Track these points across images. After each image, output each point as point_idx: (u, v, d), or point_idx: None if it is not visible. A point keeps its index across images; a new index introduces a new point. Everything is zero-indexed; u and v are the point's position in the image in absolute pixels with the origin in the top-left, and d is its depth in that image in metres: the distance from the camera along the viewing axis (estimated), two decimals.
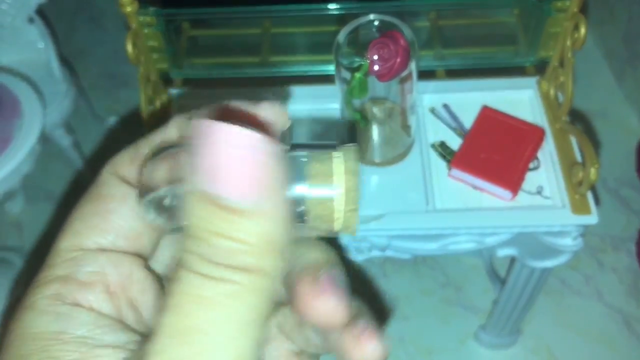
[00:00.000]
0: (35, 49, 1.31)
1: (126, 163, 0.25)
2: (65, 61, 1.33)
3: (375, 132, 0.83)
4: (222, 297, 0.17)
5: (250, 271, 0.18)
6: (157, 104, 0.88)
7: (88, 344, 0.21)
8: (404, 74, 0.72)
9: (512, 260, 1.02)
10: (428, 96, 0.90)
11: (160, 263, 0.26)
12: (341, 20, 0.92)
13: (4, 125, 1.08)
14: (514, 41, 0.94)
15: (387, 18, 0.72)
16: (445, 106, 0.89)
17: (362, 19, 0.72)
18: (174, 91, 0.91)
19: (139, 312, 0.23)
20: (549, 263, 0.89)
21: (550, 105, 0.87)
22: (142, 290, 0.24)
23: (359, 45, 0.73)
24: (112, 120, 1.62)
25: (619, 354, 1.23)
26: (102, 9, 1.93)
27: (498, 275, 1.23)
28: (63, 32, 1.37)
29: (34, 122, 1.08)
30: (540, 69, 0.91)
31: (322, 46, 0.90)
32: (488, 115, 0.85)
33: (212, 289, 0.17)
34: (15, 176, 1.05)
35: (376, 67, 0.71)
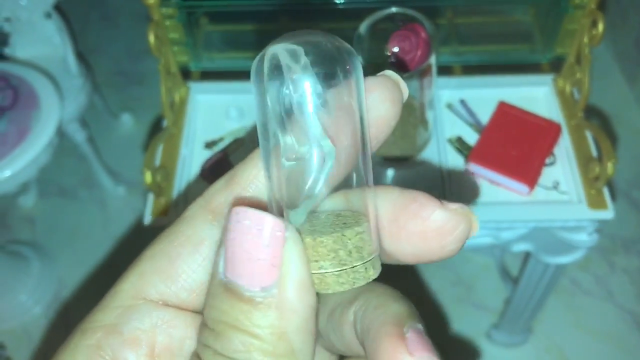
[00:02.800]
0: (52, 44, 1.32)
1: (219, 191, 0.22)
2: (80, 57, 1.34)
3: None
4: None
5: None
6: (176, 96, 0.89)
7: None
8: (424, 66, 0.73)
9: (525, 258, 1.02)
10: (445, 92, 0.90)
11: None
12: (359, 15, 0.93)
13: (22, 117, 1.09)
14: (530, 38, 0.95)
15: (409, 11, 0.72)
16: (462, 102, 0.89)
17: (384, 12, 0.73)
18: (192, 84, 0.92)
19: None
20: (563, 259, 0.89)
21: (566, 101, 0.88)
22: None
23: (379, 38, 0.74)
24: (125, 117, 1.63)
25: (629, 354, 1.23)
26: (115, 7, 1.94)
27: (509, 274, 1.24)
28: (77, 30, 1.38)
29: (51, 113, 1.09)
30: (555, 66, 0.91)
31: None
32: (505, 111, 0.86)
33: None
34: (33, 167, 1.06)
35: (397, 60, 0.71)
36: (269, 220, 0.18)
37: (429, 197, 0.21)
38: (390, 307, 0.20)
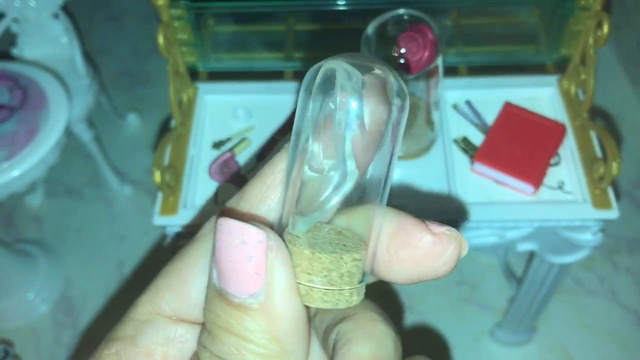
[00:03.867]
0: (59, 44, 1.33)
1: (233, 203, 0.23)
2: (87, 57, 1.35)
3: None
4: None
5: None
6: (184, 97, 0.90)
7: None
8: (431, 67, 0.74)
9: (529, 257, 1.03)
10: (451, 92, 0.91)
11: None
12: (366, 17, 0.94)
13: (31, 117, 1.10)
14: (535, 39, 0.96)
15: (416, 12, 0.73)
16: (468, 102, 0.90)
17: (391, 13, 0.73)
18: (200, 85, 0.93)
19: None
20: (568, 258, 0.90)
21: (571, 102, 0.88)
22: None
23: (387, 39, 0.75)
24: (131, 117, 1.64)
25: (632, 354, 1.24)
26: (121, 7, 1.96)
27: (514, 274, 1.24)
28: (83, 30, 1.39)
29: (60, 113, 1.10)
30: (560, 67, 0.92)
31: (348, 43, 0.91)
32: (510, 111, 0.87)
33: None
34: (41, 166, 1.07)
35: (404, 60, 0.72)
36: (251, 231, 0.18)
37: (416, 224, 0.21)
38: (352, 348, 0.21)
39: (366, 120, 0.20)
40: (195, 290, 0.22)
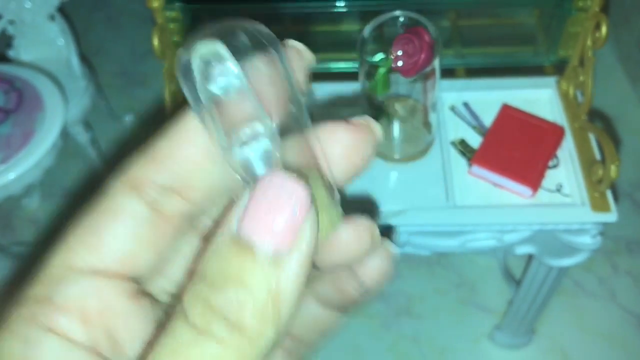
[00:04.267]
0: (55, 46, 1.33)
1: (140, 171, 0.23)
2: (83, 59, 1.34)
3: (396, 128, 0.83)
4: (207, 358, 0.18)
5: (243, 333, 0.18)
6: (181, 99, 0.90)
7: None
8: (428, 70, 0.73)
9: (528, 260, 1.02)
10: (448, 94, 0.91)
11: (169, 279, 0.24)
12: (363, 18, 0.93)
13: (27, 119, 1.10)
14: (534, 41, 0.95)
15: (412, 14, 0.73)
16: (466, 104, 0.89)
17: (387, 15, 0.73)
18: None
19: (119, 344, 0.22)
20: (566, 262, 0.89)
21: (570, 104, 0.88)
22: (124, 322, 0.22)
23: (383, 41, 0.74)
24: (129, 118, 1.63)
25: (632, 356, 1.23)
26: (118, 8, 1.95)
27: (513, 276, 1.24)
28: (79, 31, 1.39)
29: (55, 116, 1.10)
30: (559, 68, 0.92)
31: (344, 44, 0.91)
32: (508, 114, 0.86)
33: (199, 349, 0.18)
34: (37, 169, 1.07)
35: (400, 63, 0.72)
36: (301, 193, 0.19)
37: (336, 123, 0.23)
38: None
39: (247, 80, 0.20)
40: (109, 242, 0.21)
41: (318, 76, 0.92)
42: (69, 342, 0.21)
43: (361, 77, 0.77)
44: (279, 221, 0.18)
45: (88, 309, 0.21)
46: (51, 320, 0.21)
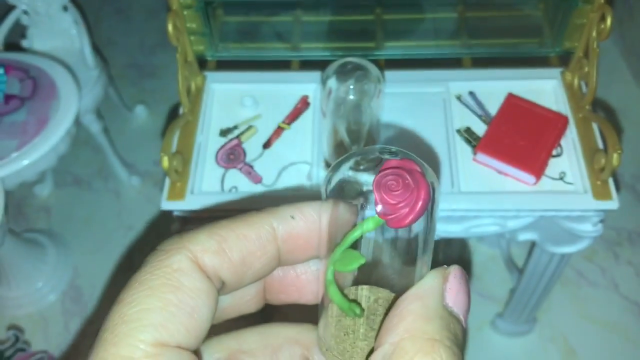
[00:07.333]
0: (68, 36, 1.35)
1: (209, 251, 0.25)
2: (95, 49, 1.37)
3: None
4: None
5: None
6: (193, 85, 0.92)
7: None
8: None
9: (531, 248, 1.04)
10: (455, 83, 0.92)
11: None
12: (372, 6, 0.95)
13: (41, 107, 1.12)
14: (540, 32, 0.97)
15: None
16: (472, 93, 0.91)
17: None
18: (208, 73, 0.95)
19: None
20: (568, 249, 0.91)
21: (574, 95, 0.90)
22: None
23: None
24: (139, 109, 1.66)
25: (634, 345, 1.25)
26: (128, 1, 1.97)
27: (515, 265, 1.26)
28: (91, 23, 1.41)
29: (70, 103, 1.12)
30: (564, 59, 0.93)
31: (353, 34, 0.93)
32: (513, 103, 0.88)
33: None
34: (52, 156, 1.09)
35: (381, 208, 0.72)
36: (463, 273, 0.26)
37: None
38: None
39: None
40: (202, 324, 0.23)
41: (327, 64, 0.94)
42: None
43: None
44: (462, 294, 0.25)
45: None
46: None
